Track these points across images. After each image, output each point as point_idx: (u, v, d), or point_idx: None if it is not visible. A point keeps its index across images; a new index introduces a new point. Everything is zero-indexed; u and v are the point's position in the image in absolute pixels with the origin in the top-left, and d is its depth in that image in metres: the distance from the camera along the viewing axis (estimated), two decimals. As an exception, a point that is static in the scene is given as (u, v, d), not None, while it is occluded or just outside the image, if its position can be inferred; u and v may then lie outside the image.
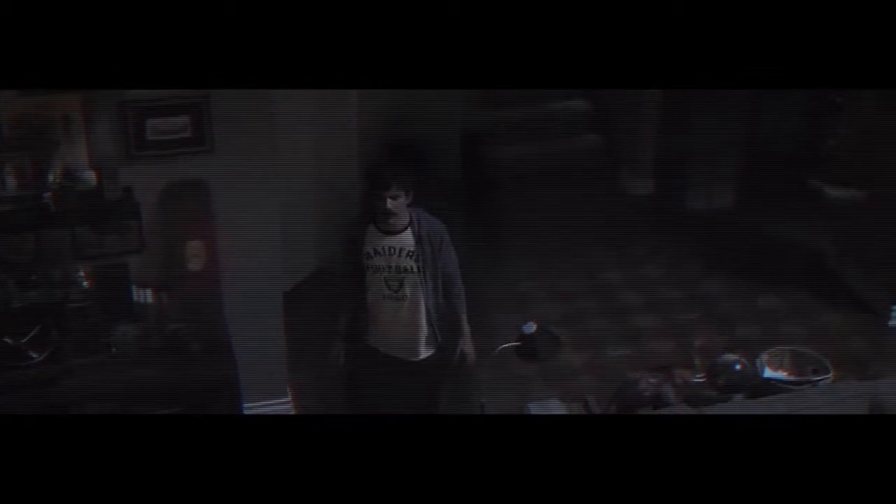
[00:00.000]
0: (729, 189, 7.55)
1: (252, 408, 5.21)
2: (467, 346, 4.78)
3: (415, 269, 4.58)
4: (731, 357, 4.62)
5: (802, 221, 7.07)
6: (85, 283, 4.72)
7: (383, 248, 4.57)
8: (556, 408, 4.43)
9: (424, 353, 4.77)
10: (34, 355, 4.61)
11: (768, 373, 4.69)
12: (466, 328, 4.80)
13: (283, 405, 5.41)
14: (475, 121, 7.24)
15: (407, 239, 4.57)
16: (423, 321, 4.69)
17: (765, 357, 4.73)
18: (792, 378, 4.69)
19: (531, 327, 4.23)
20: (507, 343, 4.24)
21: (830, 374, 4.66)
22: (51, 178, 4.47)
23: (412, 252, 4.56)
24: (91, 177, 4.56)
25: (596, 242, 7.04)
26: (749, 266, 6.71)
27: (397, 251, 4.56)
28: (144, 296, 4.85)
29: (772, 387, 4.57)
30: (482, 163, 7.19)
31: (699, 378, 4.56)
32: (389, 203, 4.45)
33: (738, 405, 4.23)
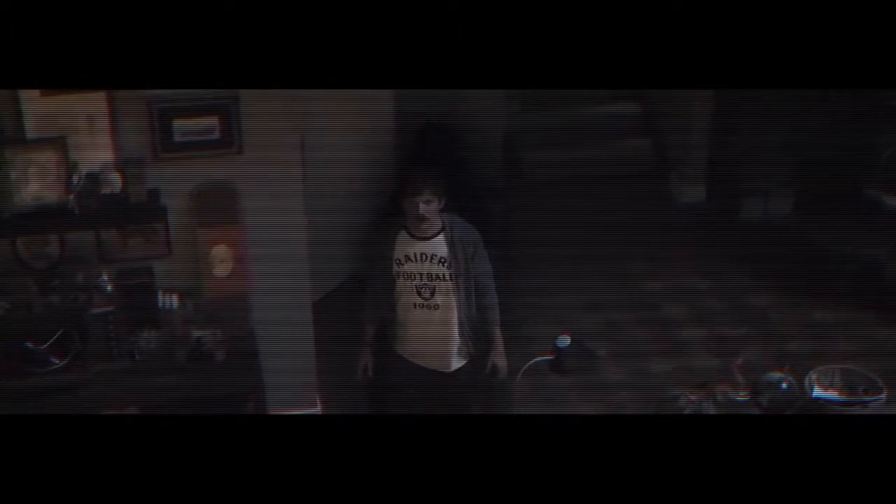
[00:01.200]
0: (781, 196, 7.46)
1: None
2: (499, 358, 4.75)
3: (447, 277, 4.56)
4: (776, 375, 4.53)
5: (858, 231, 6.94)
6: (109, 288, 4.74)
7: (415, 255, 4.55)
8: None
9: (456, 364, 4.75)
10: (55, 361, 4.66)
11: (817, 392, 4.60)
12: (499, 339, 4.76)
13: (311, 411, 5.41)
14: (516, 123, 7.21)
15: (439, 245, 4.55)
16: (455, 331, 4.66)
17: (814, 375, 4.64)
18: (842, 398, 4.60)
19: (565, 341, 4.19)
20: (540, 357, 4.20)
21: (884, 395, 4.57)
22: (75, 179, 4.50)
23: (445, 259, 4.54)
24: (116, 179, 4.58)
25: (639, 251, 6.97)
26: (801, 278, 6.61)
27: (429, 258, 4.54)
28: (170, 302, 4.88)
29: (820, 407, 4.49)
30: (522, 167, 7.15)
31: (742, 396, 4.49)
32: (422, 208, 4.44)
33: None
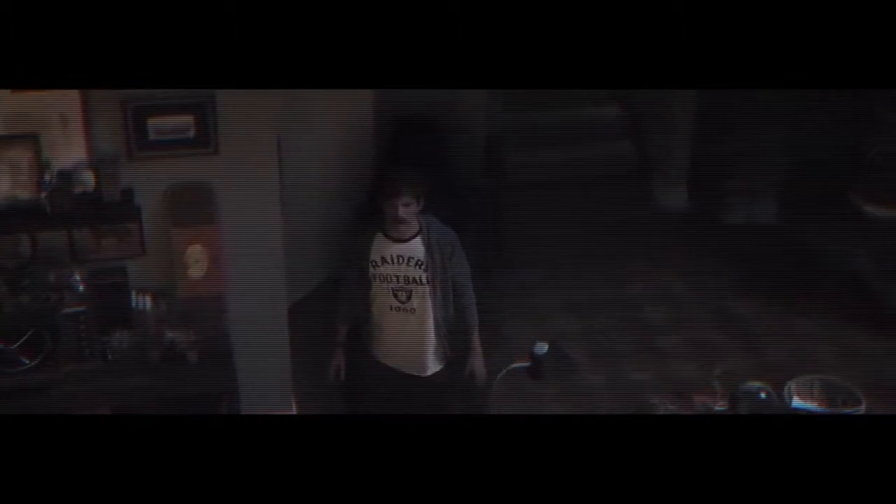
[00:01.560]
0: (765, 200, 7.46)
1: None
2: (477, 362, 4.75)
3: (424, 280, 4.55)
4: (755, 384, 4.55)
5: (843, 237, 6.96)
6: (81, 288, 4.71)
7: (391, 257, 4.54)
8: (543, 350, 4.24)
9: (433, 368, 4.74)
10: (26, 361, 4.63)
11: (796, 402, 4.62)
12: (477, 343, 4.76)
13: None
14: (498, 124, 7.20)
15: (416, 247, 4.54)
16: (432, 335, 4.66)
17: (793, 385, 4.66)
18: (821, 409, 4.62)
19: (543, 347, 4.19)
20: (517, 363, 4.20)
21: (863, 407, 4.58)
22: (47, 178, 4.47)
23: (421, 261, 4.53)
24: (89, 178, 4.55)
25: (620, 255, 6.97)
26: (783, 284, 6.62)
27: (406, 260, 4.53)
28: (143, 302, 4.85)
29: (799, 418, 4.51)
30: (503, 168, 7.14)
31: (721, 405, 4.50)
32: (401, 210, 4.43)
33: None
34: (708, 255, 6.98)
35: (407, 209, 4.43)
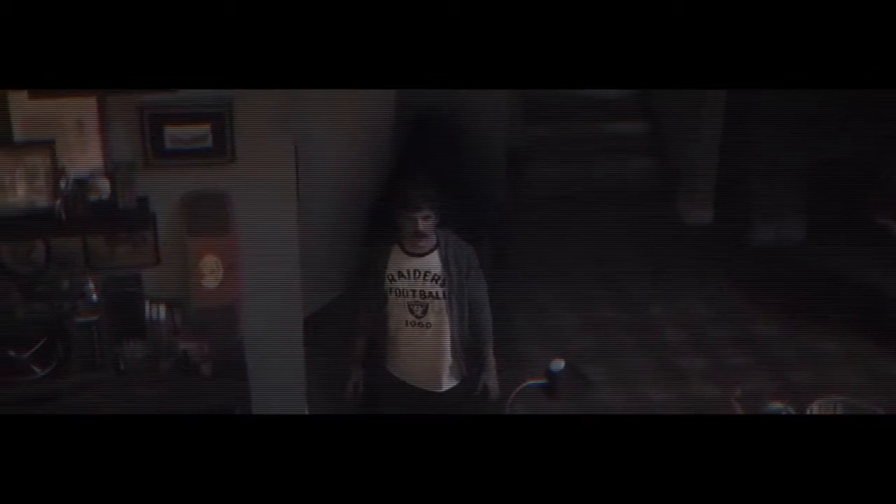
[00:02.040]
0: (795, 219, 7.42)
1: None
2: (491, 380, 4.73)
3: (441, 295, 4.54)
4: (776, 406, 4.51)
5: (872, 259, 6.90)
6: (94, 296, 4.71)
7: (408, 271, 4.54)
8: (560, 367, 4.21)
9: (447, 384, 4.73)
10: (37, 370, 4.63)
11: (819, 424, 4.58)
12: (492, 361, 4.75)
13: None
14: (521, 137, 7.20)
15: (433, 262, 4.54)
16: (448, 350, 4.65)
17: (815, 407, 4.62)
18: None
19: (559, 365, 4.16)
20: (531, 380, 4.18)
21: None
22: (62, 184, 4.48)
23: (438, 276, 4.52)
24: (105, 185, 4.56)
25: (642, 274, 6.93)
26: (809, 305, 6.58)
27: (423, 274, 4.53)
28: (157, 312, 4.86)
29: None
30: (525, 183, 7.14)
31: (741, 427, 4.46)
32: (421, 224, 4.42)
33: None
34: (732, 275, 6.93)
35: (426, 223, 4.43)
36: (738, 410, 4.46)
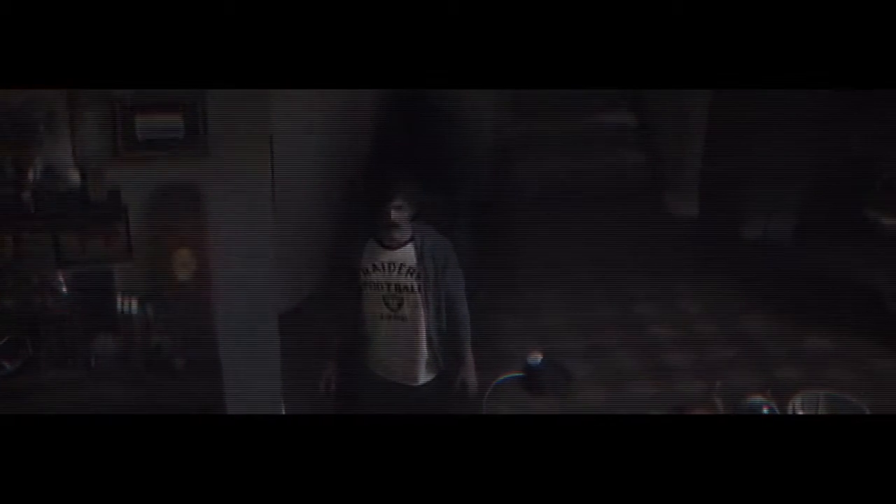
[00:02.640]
0: (783, 215, 7.42)
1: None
2: (469, 375, 4.74)
3: (416, 288, 4.54)
4: (757, 399, 4.54)
5: (858, 253, 6.92)
6: (64, 291, 4.70)
7: (382, 264, 4.54)
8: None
9: (424, 378, 4.73)
10: (5, 365, 4.61)
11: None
12: (470, 356, 4.75)
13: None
14: (505, 132, 7.19)
15: (408, 255, 4.54)
16: (424, 344, 4.65)
17: (798, 401, 4.64)
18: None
19: (537, 360, 4.16)
20: (508, 374, 4.18)
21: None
22: (31, 176, 4.46)
23: (413, 269, 4.52)
24: (75, 177, 4.55)
25: (628, 270, 6.94)
26: (797, 301, 6.59)
27: (397, 267, 4.53)
28: (129, 306, 4.84)
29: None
30: (509, 177, 7.14)
31: (721, 421, 4.48)
32: (394, 214, 4.42)
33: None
34: (719, 272, 6.94)
35: (399, 213, 4.42)
36: (718, 404, 4.48)
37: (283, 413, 5.34)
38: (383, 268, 4.53)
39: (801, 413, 4.60)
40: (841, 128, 7.03)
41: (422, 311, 4.58)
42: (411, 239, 4.53)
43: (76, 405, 4.61)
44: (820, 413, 4.64)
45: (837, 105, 6.68)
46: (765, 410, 4.49)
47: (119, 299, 4.81)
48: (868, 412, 4.59)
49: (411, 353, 4.66)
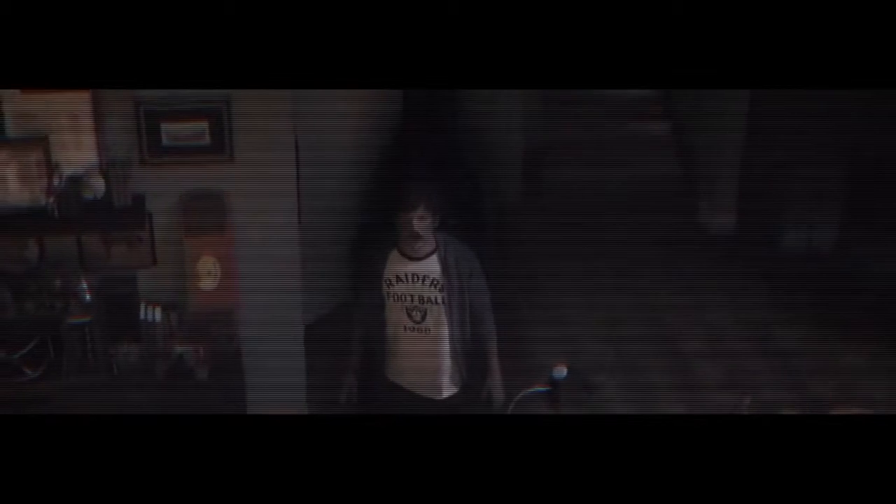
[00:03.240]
0: (825, 225, 7.34)
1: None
2: (496, 387, 4.71)
3: (439, 300, 4.53)
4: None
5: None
6: (88, 297, 4.74)
7: (406, 276, 4.53)
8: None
9: (447, 391, 4.72)
10: (28, 372, 4.67)
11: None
12: (496, 368, 4.73)
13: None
14: (536, 138, 7.18)
15: (432, 266, 4.53)
16: (448, 356, 4.63)
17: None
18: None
19: (562, 372, 4.15)
20: (533, 388, 4.17)
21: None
22: (56, 182, 4.51)
23: (437, 281, 4.52)
24: (100, 182, 4.60)
25: (661, 282, 6.91)
26: (837, 315, 6.51)
27: (421, 279, 4.52)
28: (152, 314, 4.88)
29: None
30: (539, 186, 7.13)
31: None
32: (416, 224, 4.42)
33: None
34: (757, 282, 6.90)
35: (422, 223, 4.42)
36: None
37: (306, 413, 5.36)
38: (406, 279, 4.53)
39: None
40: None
41: (445, 324, 4.57)
42: (435, 250, 4.53)
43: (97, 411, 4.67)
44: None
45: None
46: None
47: (142, 306, 4.86)
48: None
49: (434, 365, 4.65)
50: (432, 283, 4.52)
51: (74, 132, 4.57)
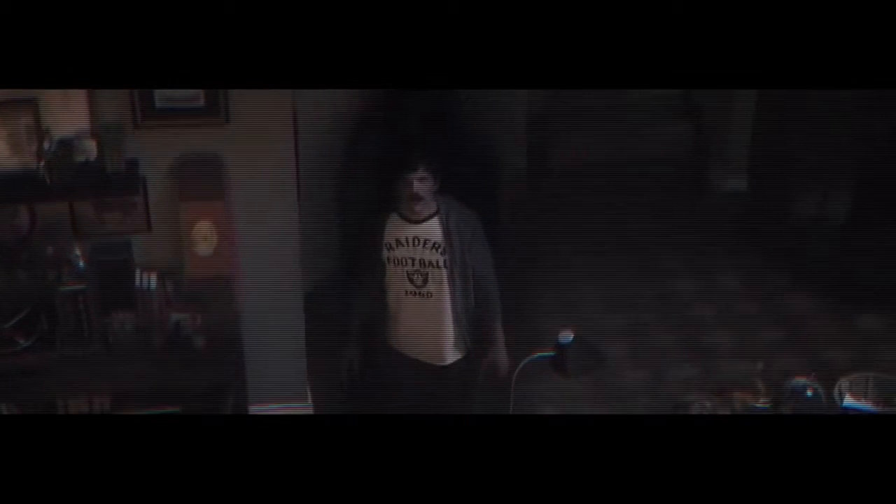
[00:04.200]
0: (836, 192, 7.30)
1: (263, 410, 5.16)
2: (499, 354, 4.71)
3: (441, 264, 4.51)
4: (801, 381, 4.46)
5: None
6: (81, 264, 4.71)
7: (406, 239, 4.52)
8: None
9: (451, 357, 4.72)
10: (20, 341, 4.66)
11: (848, 402, 4.52)
12: (500, 334, 4.72)
13: (300, 410, 5.37)
14: (537, 102, 7.12)
15: (433, 229, 4.51)
16: (450, 322, 4.63)
17: (845, 384, 4.57)
18: (876, 409, 4.52)
19: (568, 337, 4.11)
20: (538, 353, 4.14)
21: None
22: (47, 146, 4.47)
23: (438, 244, 4.50)
24: (92, 147, 4.55)
25: (670, 245, 6.89)
26: (848, 281, 6.49)
27: (422, 242, 4.51)
28: (147, 281, 4.85)
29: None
30: (543, 149, 7.08)
31: (762, 403, 4.42)
32: (416, 186, 4.39)
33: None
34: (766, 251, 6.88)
35: (422, 185, 4.40)
36: (760, 386, 4.42)
37: (309, 404, 5.36)
38: (407, 242, 4.51)
39: (848, 396, 4.53)
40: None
41: (447, 288, 4.56)
42: (436, 212, 4.50)
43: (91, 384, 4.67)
44: (868, 394, 4.57)
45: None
46: (809, 394, 4.42)
47: (137, 273, 4.83)
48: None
49: (437, 331, 4.64)
50: (433, 246, 4.50)
51: (64, 94, 4.51)
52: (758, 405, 4.42)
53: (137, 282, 4.83)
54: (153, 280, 4.86)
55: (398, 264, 4.55)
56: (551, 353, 4.17)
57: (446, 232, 4.49)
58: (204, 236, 4.84)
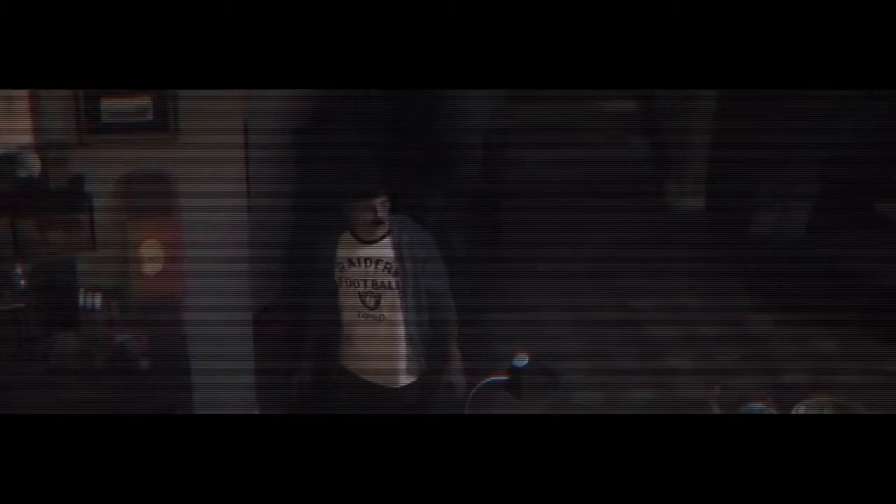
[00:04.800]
0: (794, 209, 7.37)
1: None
2: (456, 375, 4.69)
3: (394, 285, 4.50)
4: (757, 406, 4.47)
5: (873, 250, 6.87)
6: (22, 283, 4.64)
7: (359, 260, 4.50)
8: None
9: (405, 379, 4.70)
10: (-39, 363, 4.57)
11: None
12: (456, 355, 4.71)
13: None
14: (498, 120, 7.12)
15: (385, 249, 4.50)
16: (403, 344, 4.61)
17: (801, 408, 4.58)
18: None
19: (523, 360, 4.10)
20: (492, 377, 4.12)
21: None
22: (-13, 161, 4.43)
23: (391, 265, 4.48)
24: (35, 162, 4.52)
25: (628, 265, 6.90)
26: (808, 300, 6.54)
27: (374, 263, 4.49)
28: (92, 301, 4.78)
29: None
30: (502, 168, 7.07)
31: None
32: (380, 211, 4.39)
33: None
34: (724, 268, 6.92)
35: (384, 208, 4.39)
36: (715, 409, 4.42)
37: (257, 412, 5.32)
38: (360, 263, 4.49)
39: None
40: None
41: (400, 310, 4.54)
42: (389, 232, 4.48)
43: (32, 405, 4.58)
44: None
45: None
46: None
47: (81, 293, 4.76)
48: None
49: (390, 353, 4.62)
50: (385, 267, 4.48)
51: (7, 107, 4.46)
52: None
53: (81, 302, 4.76)
54: (97, 300, 4.79)
55: (350, 285, 4.52)
56: (505, 378, 4.15)
57: (399, 252, 4.48)
58: (151, 255, 4.81)
